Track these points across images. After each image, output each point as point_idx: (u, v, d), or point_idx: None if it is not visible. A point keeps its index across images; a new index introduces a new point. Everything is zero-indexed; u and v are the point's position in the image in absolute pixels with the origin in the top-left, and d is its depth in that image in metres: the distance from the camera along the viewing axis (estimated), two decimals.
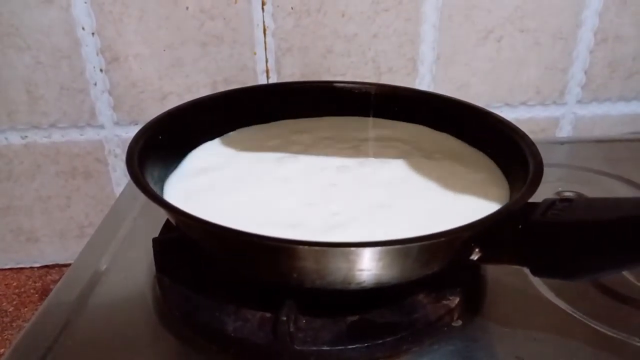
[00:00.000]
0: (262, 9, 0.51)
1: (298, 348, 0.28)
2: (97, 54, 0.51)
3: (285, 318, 0.28)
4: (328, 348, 0.28)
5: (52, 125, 0.53)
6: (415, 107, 0.43)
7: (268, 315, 0.30)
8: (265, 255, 0.28)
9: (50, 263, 0.60)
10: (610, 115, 0.58)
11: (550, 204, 0.28)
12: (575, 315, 0.31)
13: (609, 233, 0.26)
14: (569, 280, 0.31)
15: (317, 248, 0.25)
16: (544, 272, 0.29)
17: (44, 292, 0.55)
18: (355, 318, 0.30)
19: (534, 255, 0.28)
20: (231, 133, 0.42)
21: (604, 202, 0.29)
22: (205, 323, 0.30)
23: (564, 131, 0.59)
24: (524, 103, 0.57)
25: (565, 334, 0.30)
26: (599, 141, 0.56)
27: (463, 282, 0.32)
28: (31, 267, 0.59)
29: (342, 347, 0.29)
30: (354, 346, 0.29)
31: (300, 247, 0.25)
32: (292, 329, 0.28)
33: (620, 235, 0.26)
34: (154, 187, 0.32)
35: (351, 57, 0.53)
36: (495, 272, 0.34)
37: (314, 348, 0.28)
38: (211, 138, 0.41)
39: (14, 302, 0.54)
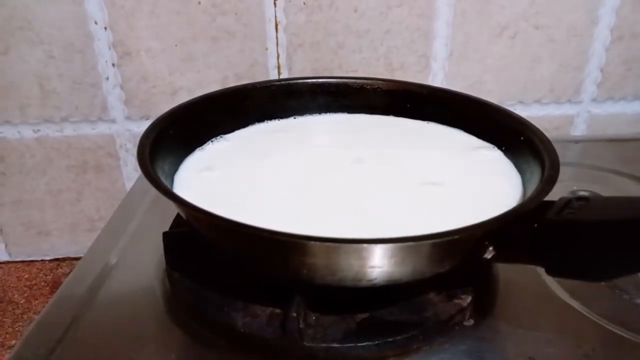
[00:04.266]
0: (274, 4, 0.50)
1: (307, 344, 0.28)
2: (109, 49, 0.51)
3: (294, 314, 0.28)
4: (338, 345, 0.28)
5: (64, 120, 0.54)
6: (427, 104, 0.43)
7: (277, 311, 0.30)
8: (275, 250, 0.28)
9: (61, 256, 0.60)
10: (625, 114, 0.57)
11: (566, 202, 0.28)
12: (590, 317, 0.31)
13: (626, 233, 0.26)
14: (584, 281, 0.30)
15: (328, 244, 0.25)
16: (558, 272, 0.29)
17: (55, 285, 0.55)
18: (365, 315, 0.30)
19: (549, 254, 0.28)
20: (243, 128, 0.42)
21: (620, 201, 0.28)
22: (214, 318, 0.30)
23: (579, 130, 0.58)
24: (537, 101, 0.56)
25: (579, 335, 0.30)
26: (614, 140, 0.56)
27: (475, 281, 0.32)
28: (42, 260, 0.60)
29: (352, 345, 0.28)
30: (363, 344, 0.28)
31: (312, 242, 0.25)
32: (301, 326, 0.28)
33: (637, 235, 0.25)
34: (165, 181, 0.32)
35: (363, 53, 0.53)
36: (508, 271, 0.34)
37: (324, 345, 0.28)
38: (222, 133, 0.41)
39: (25, 295, 0.54)
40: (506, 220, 0.27)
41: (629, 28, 0.53)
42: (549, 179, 0.29)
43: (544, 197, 0.28)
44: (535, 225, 0.27)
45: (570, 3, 0.52)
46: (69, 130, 0.54)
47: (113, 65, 0.52)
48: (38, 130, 0.54)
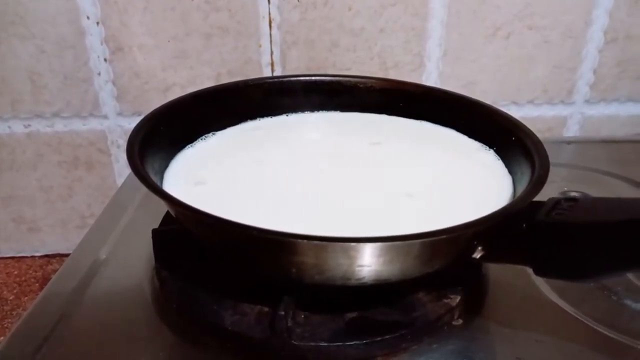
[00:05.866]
0: (268, 1, 0.50)
1: (296, 343, 0.28)
2: (102, 44, 0.51)
3: (283, 313, 0.28)
4: (326, 344, 0.28)
5: (55, 115, 0.53)
6: (421, 103, 0.43)
7: (266, 309, 0.30)
8: (264, 249, 0.27)
9: (52, 252, 0.60)
10: (618, 115, 0.58)
11: (555, 203, 0.27)
12: (578, 317, 0.31)
13: (615, 234, 0.26)
14: (572, 281, 0.30)
15: (316, 242, 0.25)
16: (547, 273, 0.29)
17: (45, 282, 0.55)
18: (354, 315, 0.30)
19: (538, 255, 0.27)
20: (234, 126, 0.42)
21: (609, 203, 0.28)
22: (202, 316, 0.30)
23: (571, 131, 0.58)
24: (531, 102, 0.56)
25: (567, 336, 0.30)
26: (606, 142, 0.56)
27: (464, 281, 0.32)
28: (32, 256, 0.59)
29: (340, 344, 0.28)
30: (352, 343, 0.28)
31: (300, 241, 0.25)
32: (290, 324, 0.28)
33: (625, 236, 0.26)
34: (154, 178, 0.32)
35: (357, 52, 0.53)
36: (497, 272, 0.34)
37: (312, 344, 0.28)
38: (213, 130, 0.41)
39: (15, 291, 0.54)
40: (495, 220, 0.27)
41: (622, 30, 0.53)
42: (538, 180, 0.29)
43: (533, 197, 0.28)
44: (524, 225, 0.27)
45: (565, 4, 0.52)
46: (60, 125, 0.54)
47: (105, 60, 0.51)
48: (29, 125, 0.54)
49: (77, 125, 0.54)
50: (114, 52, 0.51)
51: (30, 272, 0.57)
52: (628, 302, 0.32)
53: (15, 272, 0.57)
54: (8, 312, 0.51)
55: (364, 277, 0.27)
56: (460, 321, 0.30)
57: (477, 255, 0.28)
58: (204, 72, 0.53)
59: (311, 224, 0.30)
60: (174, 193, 0.30)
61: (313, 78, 0.45)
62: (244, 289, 0.31)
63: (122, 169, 0.56)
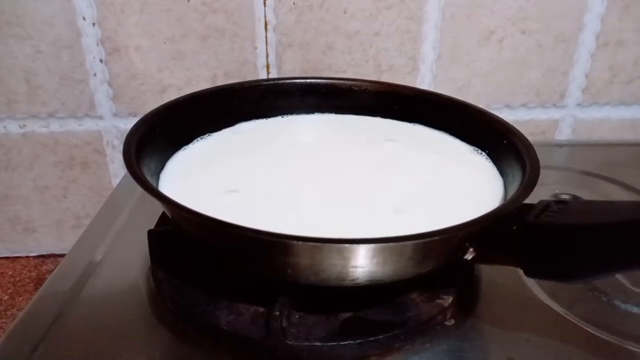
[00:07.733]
0: (264, 3, 0.51)
1: (290, 343, 0.28)
2: (98, 45, 0.51)
3: (278, 313, 0.28)
4: (320, 344, 0.29)
5: (51, 115, 0.53)
6: (414, 106, 0.43)
7: (261, 310, 0.30)
8: (259, 250, 0.28)
9: (46, 253, 0.60)
10: (610, 119, 0.58)
11: (545, 205, 0.28)
12: (569, 318, 0.31)
13: (604, 236, 0.26)
14: (562, 282, 0.31)
15: (310, 243, 0.25)
16: (537, 274, 0.29)
17: (39, 282, 0.55)
18: (348, 315, 0.30)
19: (528, 256, 0.28)
20: (229, 127, 0.42)
21: (599, 205, 0.29)
22: (198, 316, 0.31)
23: (564, 134, 0.59)
24: (524, 105, 0.57)
25: (558, 336, 0.30)
26: (598, 145, 0.57)
27: (457, 282, 0.32)
28: (27, 257, 0.59)
29: (335, 344, 0.29)
30: (346, 343, 0.29)
31: (294, 242, 0.25)
32: (285, 324, 0.28)
33: (614, 238, 0.26)
34: (151, 179, 0.32)
35: (352, 55, 0.53)
36: (489, 273, 0.34)
37: (307, 344, 0.28)
38: (209, 132, 0.41)
39: (9, 291, 0.53)
40: (486, 222, 0.27)
41: (614, 35, 0.54)
42: (529, 183, 0.30)
43: (523, 200, 0.28)
44: (515, 227, 0.28)
45: (558, 9, 0.53)
46: (55, 126, 0.54)
47: (101, 61, 0.52)
48: (24, 125, 0.54)
49: (73, 125, 0.54)
50: (110, 53, 0.51)
51: (25, 272, 0.57)
52: (617, 302, 0.33)
53: (10, 272, 0.57)
54: (2, 312, 0.51)
55: (358, 278, 0.27)
56: (453, 321, 0.31)
57: (469, 256, 0.29)
58: (200, 73, 0.53)
59: (305, 224, 0.30)
60: (170, 194, 0.30)
61: (308, 80, 0.45)
62: (240, 289, 0.31)
63: (117, 170, 0.56)
